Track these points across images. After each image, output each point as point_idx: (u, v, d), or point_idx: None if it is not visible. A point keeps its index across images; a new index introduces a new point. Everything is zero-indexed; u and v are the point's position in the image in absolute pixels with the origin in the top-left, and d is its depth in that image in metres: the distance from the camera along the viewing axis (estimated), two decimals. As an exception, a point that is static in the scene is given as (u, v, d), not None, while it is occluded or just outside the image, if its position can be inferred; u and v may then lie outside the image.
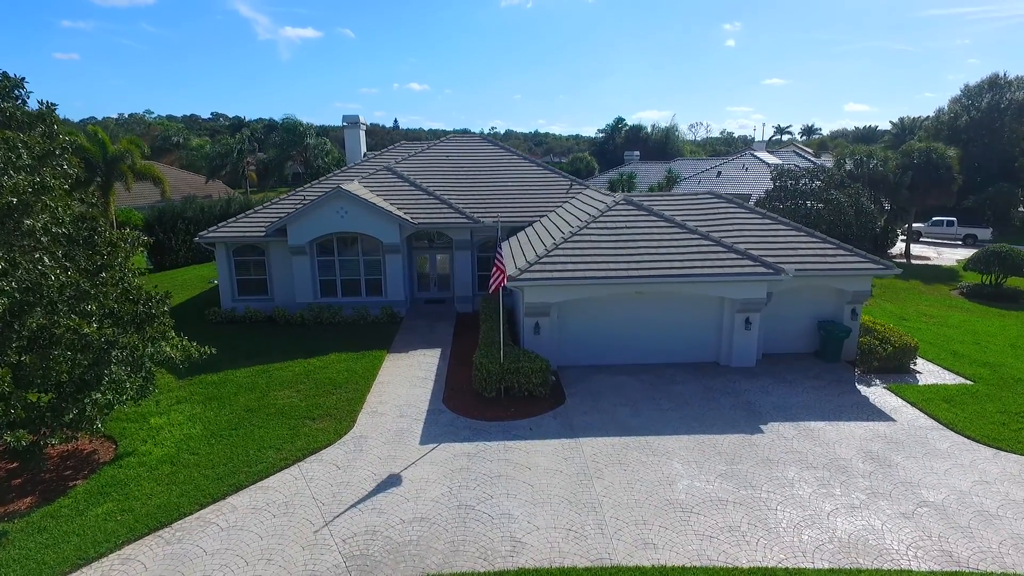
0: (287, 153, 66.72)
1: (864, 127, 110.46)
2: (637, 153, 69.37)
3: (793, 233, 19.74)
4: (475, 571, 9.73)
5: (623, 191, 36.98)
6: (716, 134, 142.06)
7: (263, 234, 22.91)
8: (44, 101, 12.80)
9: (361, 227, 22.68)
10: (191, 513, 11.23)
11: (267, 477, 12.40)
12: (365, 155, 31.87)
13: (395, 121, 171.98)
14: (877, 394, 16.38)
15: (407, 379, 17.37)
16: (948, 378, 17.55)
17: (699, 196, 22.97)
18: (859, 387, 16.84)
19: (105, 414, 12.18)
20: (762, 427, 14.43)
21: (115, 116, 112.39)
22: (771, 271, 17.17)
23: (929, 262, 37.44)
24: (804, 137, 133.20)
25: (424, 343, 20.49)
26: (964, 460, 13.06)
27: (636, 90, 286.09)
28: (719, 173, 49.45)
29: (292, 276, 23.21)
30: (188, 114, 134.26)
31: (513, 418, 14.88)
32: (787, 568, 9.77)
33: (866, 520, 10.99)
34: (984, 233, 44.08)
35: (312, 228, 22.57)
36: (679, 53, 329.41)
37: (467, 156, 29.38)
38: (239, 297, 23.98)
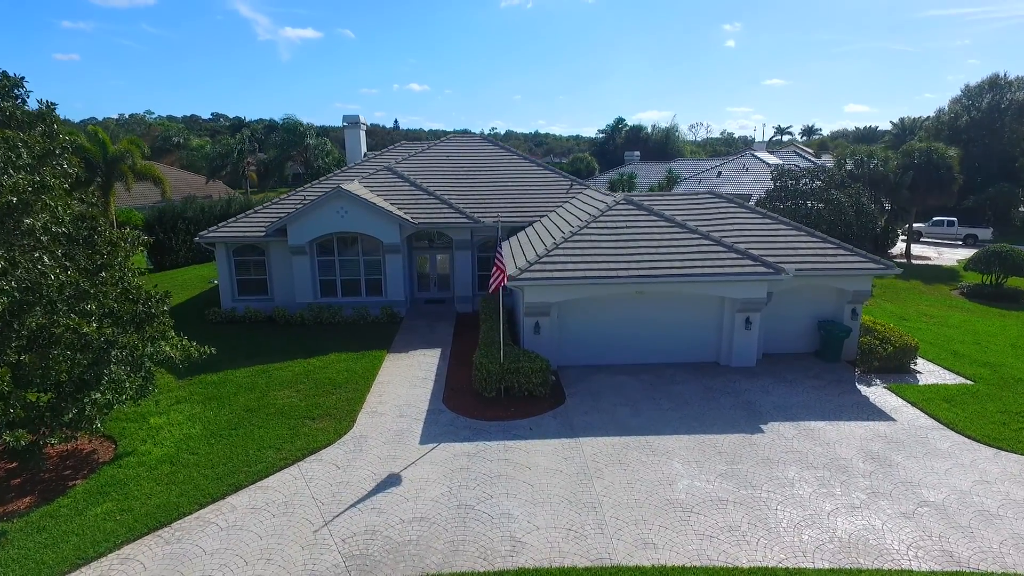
0: (287, 153, 66.74)
1: (864, 127, 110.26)
2: (637, 153, 69.33)
3: (793, 233, 19.72)
4: (475, 571, 9.71)
5: (623, 191, 36.96)
6: (716, 134, 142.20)
7: (263, 234, 22.90)
8: (44, 100, 12.86)
9: (361, 227, 22.68)
10: (190, 513, 11.22)
11: (267, 477, 12.39)
12: (365, 155, 31.87)
13: (395, 122, 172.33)
14: (877, 394, 16.36)
15: (407, 379, 17.36)
16: (948, 378, 17.53)
17: (699, 196, 22.96)
18: (859, 387, 16.83)
19: (104, 414, 12.16)
20: (762, 427, 14.42)
21: (115, 117, 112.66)
22: (771, 271, 17.15)
23: (929, 262, 37.43)
24: (804, 137, 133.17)
25: (424, 343, 20.48)
26: (965, 460, 13.04)
27: (636, 90, 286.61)
28: (719, 173, 49.42)
29: (292, 276, 23.20)
30: (188, 114, 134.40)
31: (513, 418, 14.87)
32: (787, 568, 9.75)
33: (866, 520, 10.97)
34: (984, 233, 44.08)
35: (312, 228, 22.57)
36: (679, 53, 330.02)
37: (467, 156, 29.38)
38: (239, 297, 23.98)
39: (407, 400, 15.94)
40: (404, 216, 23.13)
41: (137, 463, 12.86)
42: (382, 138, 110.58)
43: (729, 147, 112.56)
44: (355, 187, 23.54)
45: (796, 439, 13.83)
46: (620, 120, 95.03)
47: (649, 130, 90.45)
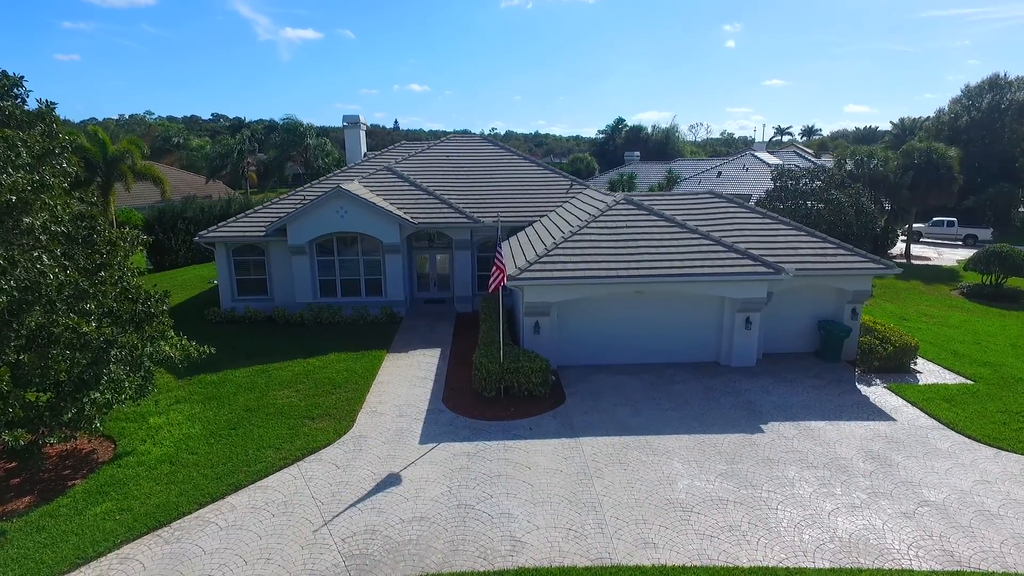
0: (287, 154, 66.66)
1: (864, 128, 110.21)
2: (637, 154, 69.29)
3: (793, 233, 19.71)
4: (475, 570, 9.70)
5: (623, 191, 36.95)
6: (716, 135, 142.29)
7: (263, 234, 22.89)
8: (43, 100, 12.86)
9: (361, 227, 22.67)
10: (190, 512, 11.20)
11: (266, 476, 12.37)
12: (365, 155, 31.85)
13: (395, 122, 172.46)
14: (877, 394, 16.35)
15: (407, 379, 17.35)
16: (948, 378, 17.52)
17: (699, 196, 22.95)
18: (859, 387, 16.81)
19: (104, 413, 12.15)
20: (762, 427, 14.40)
21: (116, 117, 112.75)
22: (771, 271, 17.14)
23: (929, 262, 37.42)
24: (804, 138, 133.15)
25: (424, 343, 20.47)
26: (965, 459, 13.03)
27: (636, 91, 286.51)
28: (719, 173, 49.42)
29: (292, 276, 23.19)
30: (188, 115, 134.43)
31: (513, 418, 14.86)
32: (788, 568, 9.74)
33: (867, 520, 10.96)
34: (984, 233, 44.06)
35: (312, 228, 22.56)
36: (679, 54, 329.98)
37: (467, 156, 29.37)
38: (239, 297, 23.96)
39: (407, 400, 15.93)
40: (404, 216, 23.11)
41: (136, 463, 12.84)
42: (382, 138, 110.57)
43: (729, 147, 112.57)
44: (355, 187, 23.53)
45: (796, 439, 13.82)
46: (620, 120, 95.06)
47: (649, 130, 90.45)
